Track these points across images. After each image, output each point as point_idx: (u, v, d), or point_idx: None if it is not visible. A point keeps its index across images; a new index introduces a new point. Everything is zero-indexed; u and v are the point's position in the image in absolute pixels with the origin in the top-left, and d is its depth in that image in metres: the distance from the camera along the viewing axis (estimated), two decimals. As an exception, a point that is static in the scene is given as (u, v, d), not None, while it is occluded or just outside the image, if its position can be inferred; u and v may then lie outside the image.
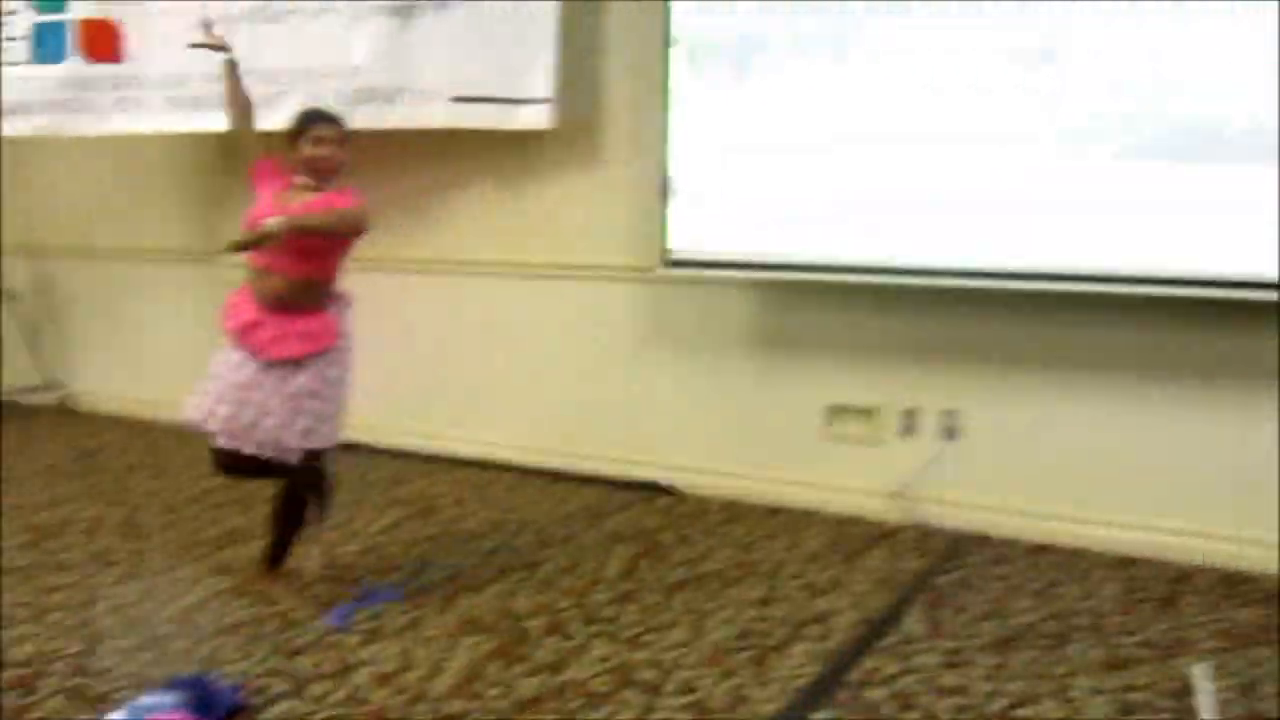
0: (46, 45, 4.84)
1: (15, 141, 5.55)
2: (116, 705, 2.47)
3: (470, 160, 4.61)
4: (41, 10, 4.82)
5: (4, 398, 5.87)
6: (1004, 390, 3.78)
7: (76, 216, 5.73)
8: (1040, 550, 3.62)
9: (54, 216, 5.81)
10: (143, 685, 2.58)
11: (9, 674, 2.66)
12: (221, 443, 3.00)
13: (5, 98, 4.95)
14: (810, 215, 3.76)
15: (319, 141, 3.04)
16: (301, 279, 3.03)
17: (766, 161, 3.80)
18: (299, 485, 3.17)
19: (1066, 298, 3.55)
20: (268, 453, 2.98)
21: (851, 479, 4.03)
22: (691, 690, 2.59)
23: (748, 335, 4.17)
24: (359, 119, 4.31)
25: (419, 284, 4.81)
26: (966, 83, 3.47)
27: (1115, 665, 2.74)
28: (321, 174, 3.06)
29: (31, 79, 4.87)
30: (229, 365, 3.04)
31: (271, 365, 3.00)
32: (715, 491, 4.23)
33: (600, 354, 4.44)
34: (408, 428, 4.90)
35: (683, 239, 3.96)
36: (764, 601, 3.16)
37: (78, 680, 2.63)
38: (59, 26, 4.76)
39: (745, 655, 2.79)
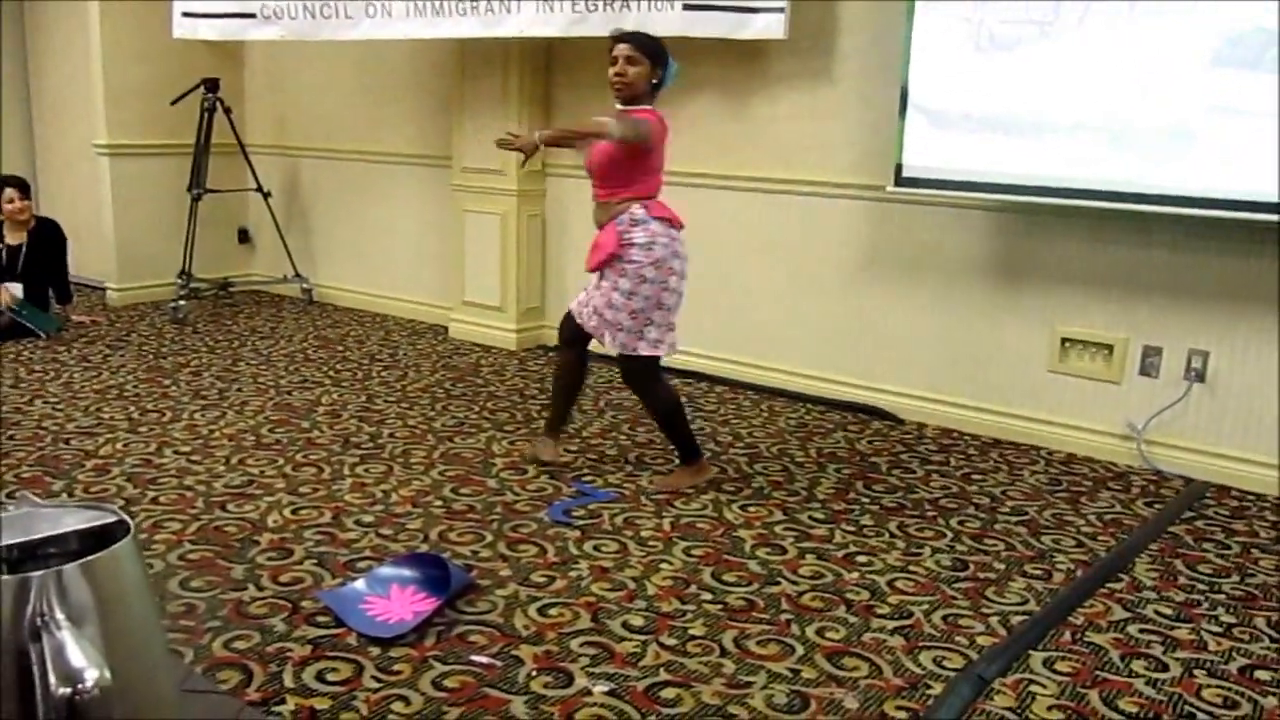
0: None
1: (269, 46, 5.93)
2: (360, 574, 2.68)
3: (697, 71, 4.56)
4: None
5: (257, 286, 6.37)
6: (1258, 334, 3.48)
7: (323, 119, 6.06)
8: (1291, 507, 3.36)
9: (303, 119, 6.17)
10: (383, 558, 2.79)
11: (267, 537, 2.92)
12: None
13: (263, 3, 5.25)
14: (1052, 135, 3.53)
15: (612, 61, 3.15)
16: (596, 199, 3.27)
17: (1008, 79, 3.58)
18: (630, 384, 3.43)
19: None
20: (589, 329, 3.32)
21: (1081, 416, 3.83)
22: (905, 615, 2.57)
23: (980, 260, 3.99)
24: (591, 26, 4.36)
25: (641, 194, 4.83)
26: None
27: (1375, 636, 2.53)
28: (617, 93, 3.18)
29: (288, -15, 5.14)
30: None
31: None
32: (933, 419, 4.13)
33: (823, 273, 4.37)
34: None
35: (916, 157, 3.81)
36: (981, 534, 3.08)
37: (326, 549, 2.86)
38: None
39: (961, 585, 2.74)
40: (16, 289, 5.27)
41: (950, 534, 3.07)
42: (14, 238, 5.33)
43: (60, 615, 1.11)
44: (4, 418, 3.92)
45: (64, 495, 3.19)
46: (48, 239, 5.40)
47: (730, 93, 4.50)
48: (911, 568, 2.84)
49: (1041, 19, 3.50)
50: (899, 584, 2.74)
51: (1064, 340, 3.85)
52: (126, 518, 1.27)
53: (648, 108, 3.19)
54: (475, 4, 4.61)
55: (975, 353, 4.05)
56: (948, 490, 3.44)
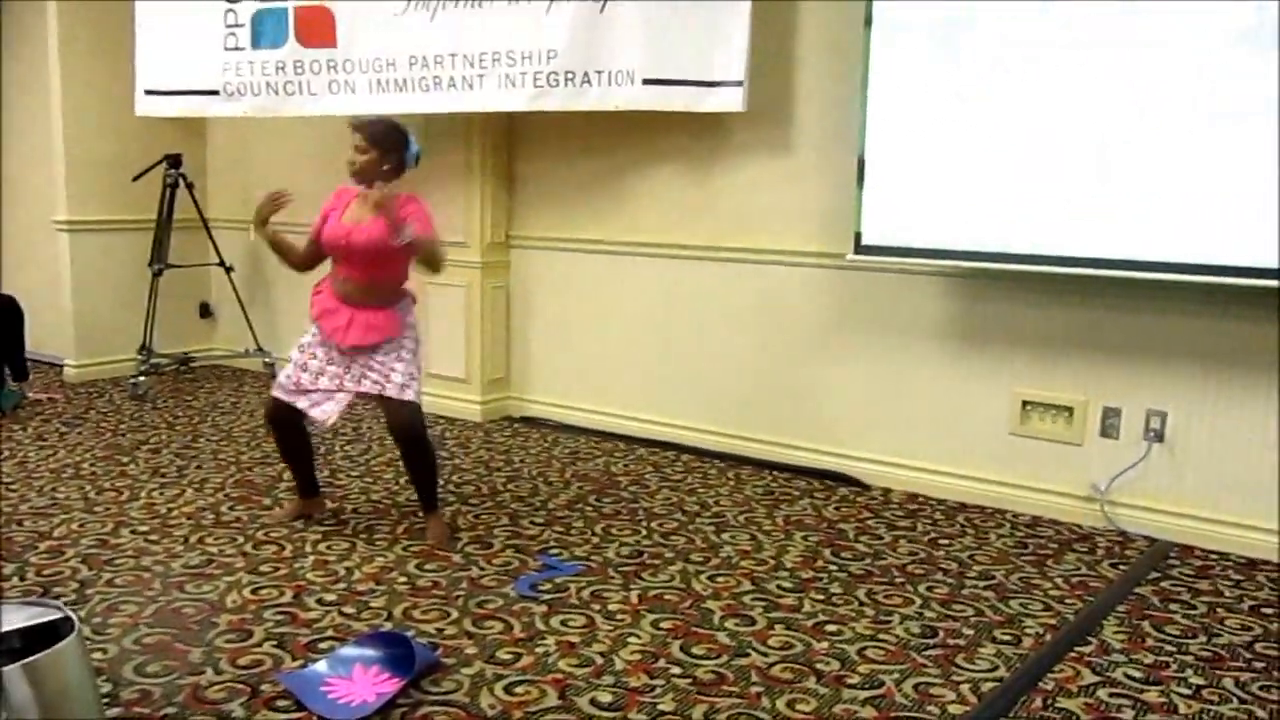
0: (267, 31, 5.13)
1: (232, 121, 5.95)
2: (322, 655, 2.62)
3: (658, 143, 4.64)
4: (263, -3, 5.12)
5: (219, 361, 6.31)
6: (1217, 393, 3.53)
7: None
8: (1252, 566, 3.38)
9: (266, 193, 6.16)
10: (345, 637, 2.73)
11: (226, 618, 2.86)
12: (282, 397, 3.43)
13: (226, 81, 5.28)
14: (1008, 203, 3.61)
15: (354, 148, 3.35)
16: (361, 284, 3.38)
17: (962, 147, 3.67)
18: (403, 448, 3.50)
19: (1296, 296, 3.29)
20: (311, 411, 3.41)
21: (1044, 478, 3.86)
22: (876, 684, 2.54)
23: (939, 325, 4.05)
24: (553, 101, 4.43)
25: (605, 264, 4.88)
26: (1180, 69, 3.25)
27: (1342, 695, 2.54)
28: (352, 176, 3.39)
29: (252, 63, 5.18)
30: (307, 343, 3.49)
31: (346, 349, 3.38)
32: (899, 483, 4.14)
33: (785, 340, 4.40)
34: (590, 405, 4.99)
35: (873, 225, 3.88)
36: (950, 600, 3.08)
37: (287, 629, 2.80)
38: (280, 13, 5.03)
39: (931, 653, 2.72)
40: (-29, 367, 5.19)
41: (919, 600, 3.06)
42: (-30, 315, 5.26)
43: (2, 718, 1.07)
44: (-45, 500, 3.83)
45: (15, 579, 3.11)
46: (5, 315, 5.32)
47: (693, 163, 4.57)
48: (881, 636, 2.82)
49: (991, 87, 3.59)
50: (869, 653, 2.72)
51: (1024, 403, 3.89)
52: (71, 615, 1.24)
53: (401, 193, 3.35)
54: (438, 80, 4.66)
55: (939, 416, 4.08)
56: (915, 556, 3.44)
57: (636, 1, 4.19)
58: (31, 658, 1.13)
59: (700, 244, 4.58)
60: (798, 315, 4.35)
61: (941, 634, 2.84)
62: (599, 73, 4.32)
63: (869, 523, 3.76)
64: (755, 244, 4.42)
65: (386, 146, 3.34)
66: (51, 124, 5.85)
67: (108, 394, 5.65)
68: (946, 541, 3.58)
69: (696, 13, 4.09)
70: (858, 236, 3.91)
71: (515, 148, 5.11)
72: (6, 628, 1.24)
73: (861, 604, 3.03)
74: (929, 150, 3.74)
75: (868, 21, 3.76)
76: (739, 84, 4.06)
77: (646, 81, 4.24)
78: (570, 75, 4.37)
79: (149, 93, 5.60)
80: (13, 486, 4.00)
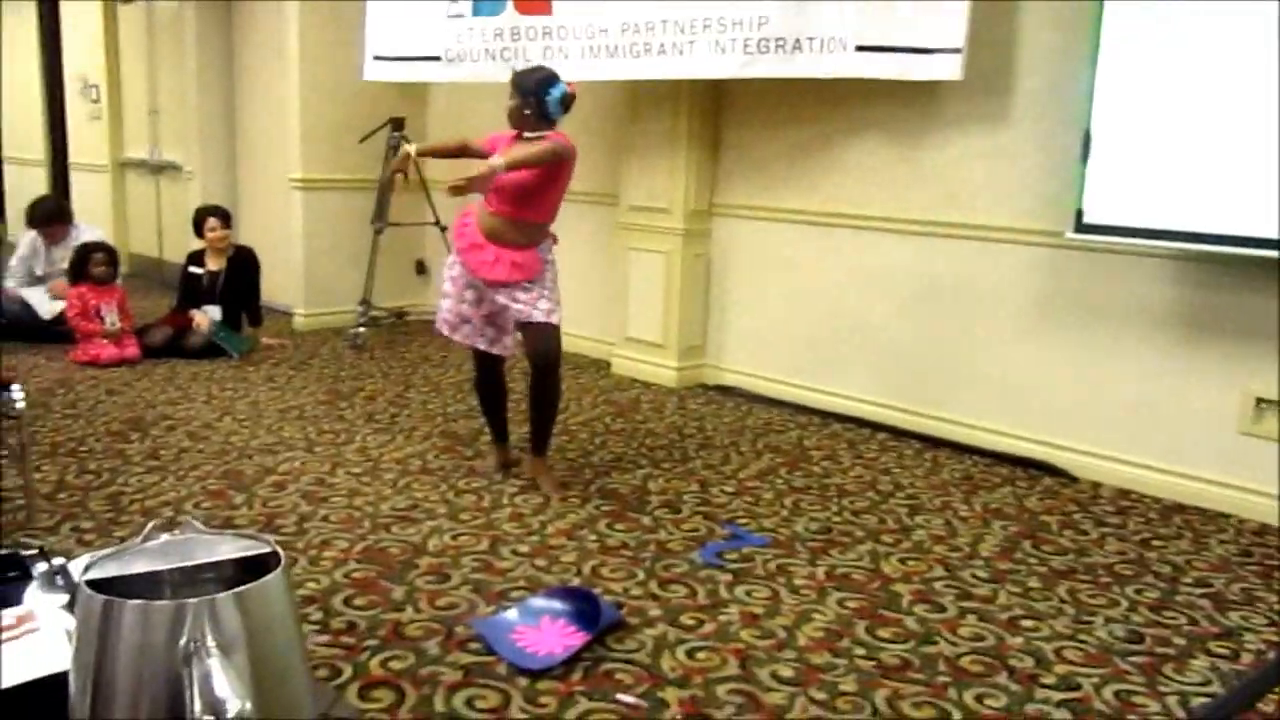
0: (487, -1, 5.30)
1: (451, 87, 6.19)
2: (513, 603, 2.73)
3: (867, 112, 4.51)
4: (485, -34, 5.29)
5: (431, 317, 6.62)
6: None
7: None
8: None
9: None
10: (536, 589, 2.83)
11: (426, 561, 3.01)
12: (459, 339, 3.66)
13: (447, 47, 5.49)
14: (1246, 182, 3.31)
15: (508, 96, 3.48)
16: (506, 218, 3.45)
17: (1197, 122, 3.38)
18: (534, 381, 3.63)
19: None
20: (493, 349, 3.63)
21: (1274, 483, 3.55)
22: (1072, 687, 2.42)
23: (1162, 311, 3.78)
24: (763, 68, 4.38)
25: (807, 235, 4.81)
26: None
27: None
28: (509, 122, 3.49)
29: (472, 30, 5.37)
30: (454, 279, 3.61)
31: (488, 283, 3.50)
32: (1110, 478, 3.91)
33: (993, 320, 4.22)
34: (784, 377, 4.95)
35: (1096, 203, 3.65)
36: (1160, 605, 2.89)
37: (482, 576, 2.92)
38: (500, -20, 5.18)
39: (1136, 660, 2.56)
40: (214, 312, 5.65)
41: (1126, 602, 2.89)
42: (214, 264, 5.72)
43: (211, 643, 1.16)
44: (195, 433, 4.19)
45: (244, 509, 3.38)
46: (244, 266, 5.76)
47: (901, 133, 4.42)
48: (1081, 636, 2.68)
49: (1231, 57, 3.30)
50: (1066, 653, 2.59)
51: (1259, 400, 3.59)
52: (279, 549, 1.33)
53: (547, 133, 3.43)
54: (649, 46, 4.69)
55: (1158, 409, 3.82)
56: (1124, 555, 3.24)
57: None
58: (241, 587, 1.21)
59: (907, 217, 4.43)
60: (1007, 294, 4.16)
61: (1149, 640, 2.67)
62: (810, 39, 4.23)
63: (1075, 516, 3.57)
64: (964, 219, 4.24)
65: (525, 93, 3.42)
66: (288, 88, 6.26)
67: (330, 343, 6.03)
68: (1160, 543, 3.36)
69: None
70: (1079, 214, 3.69)
71: (723, 115, 5.09)
72: (219, 558, 1.34)
73: (1062, 601, 2.88)
74: (1160, 125, 3.48)
75: (1102, -13, 3.52)
76: (957, 51, 3.89)
77: (860, 48, 4.13)
78: (781, 41, 4.30)
79: (377, 58, 5.90)
80: (245, 423, 4.34)
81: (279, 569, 1.28)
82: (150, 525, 1.43)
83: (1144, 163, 3.54)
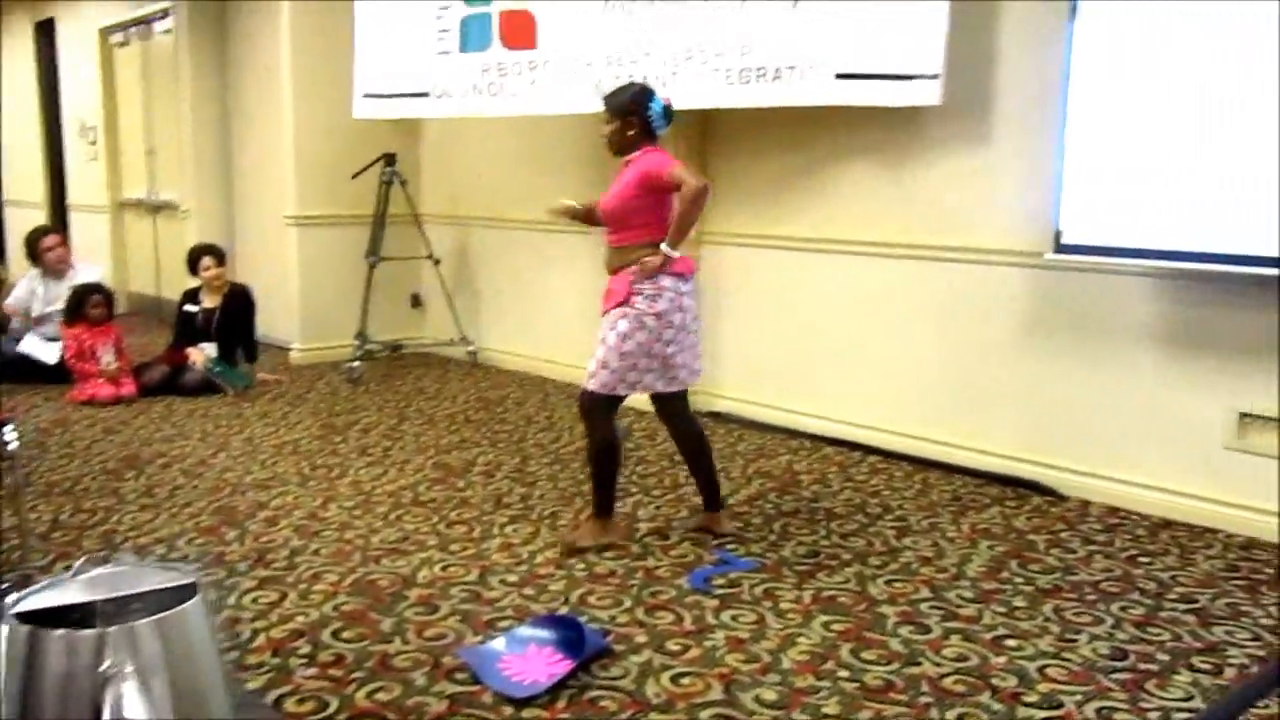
0: (474, 35, 5.37)
1: (443, 122, 6.27)
2: (500, 633, 2.75)
3: (851, 138, 4.57)
4: (470, 4, 5.36)
5: (427, 349, 6.67)
6: None
7: (490, 189, 6.34)
8: None
9: (471, 189, 6.48)
10: (524, 617, 2.85)
11: (416, 592, 3.03)
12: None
13: (435, 83, 5.57)
14: (1222, 200, 3.34)
15: (605, 122, 3.37)
16: (610, 244, 3.40)
17: (1172, 141, 3.43)
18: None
19: None
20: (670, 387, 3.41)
21: (1263, 497, 3.57)
22: (1054, 705, 2.44)
23: (1145, 329, 3.81)
24: (746, 97, 4.43)
25: (795, 261, 4.85)
26: None
27: None
28: (610, 150, 3.41)
29: (460, 66, 5.44)
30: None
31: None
32: (1097, 495, 3.92)
33: (978, 341, 4.25)
34: (775, 402, 4.98)
35: (1074, 223, 3.69)
36: (1145, 622, 2.90)
37: (470, 606, 2.94)
38: (485, 17, 5.26)
39: (1119, 676, 2.58)
40: (210, 349, 5.69)
41: (1111, 620, 2.90)
42: (210, 301, 5.77)
43: (129, 669, 1.19)
44: (190, 470, 4.22)
45: (235, 544, 3.40)
46: (239, 303, 5.82)
47: (886, 158, 4.48)
48: (1065, 654, 2.69)
49: (1204, 78, 3.35)
50: (1050, 671, 2.60)
51: (1243, 415, 3.61)
52: (199, 580, 1.38)
53: (652, 148, 3.33)
54: (632, 78, 4.75)
55: (1144, 426, 3.84)
56: (1110, 573, 3.26)
57: (830, -2, 4.15)
58: (158, 615, 1.26)
59: (892, 241, 4.48)
60: (992, 315, 4.19)
61: (1133, 657, 2.68)
62: (791, 68, 4.29)
63: (1062, 535, 3.58)
64: (948, 241, 4.29)
65: (625, 112, 3.31)
66: (282, 127, 6.35)
67: (326, 376, 6.07)
68: (1147, 559, 3.37)
69: (892, 5, 4.00)
70: (1058, 235, 3.73)
71: (709, 144, 5.14)
72: (144, 589, 1.38)
73: (1047, 620, 2.90)
74: (1136, 145, 3.52)
75: (1073, 13, 3.57)
76: (935, 77, 3.95)
77: (839, 76, 4.19)
78: (762, 71, 4.37)
79: (367, 96, 5.98)
80: (239, 459, 4.37)
81: (196, 597, 1.32)
82: (81, 559, 1.47)
83: (1120, 183, 3.58)
